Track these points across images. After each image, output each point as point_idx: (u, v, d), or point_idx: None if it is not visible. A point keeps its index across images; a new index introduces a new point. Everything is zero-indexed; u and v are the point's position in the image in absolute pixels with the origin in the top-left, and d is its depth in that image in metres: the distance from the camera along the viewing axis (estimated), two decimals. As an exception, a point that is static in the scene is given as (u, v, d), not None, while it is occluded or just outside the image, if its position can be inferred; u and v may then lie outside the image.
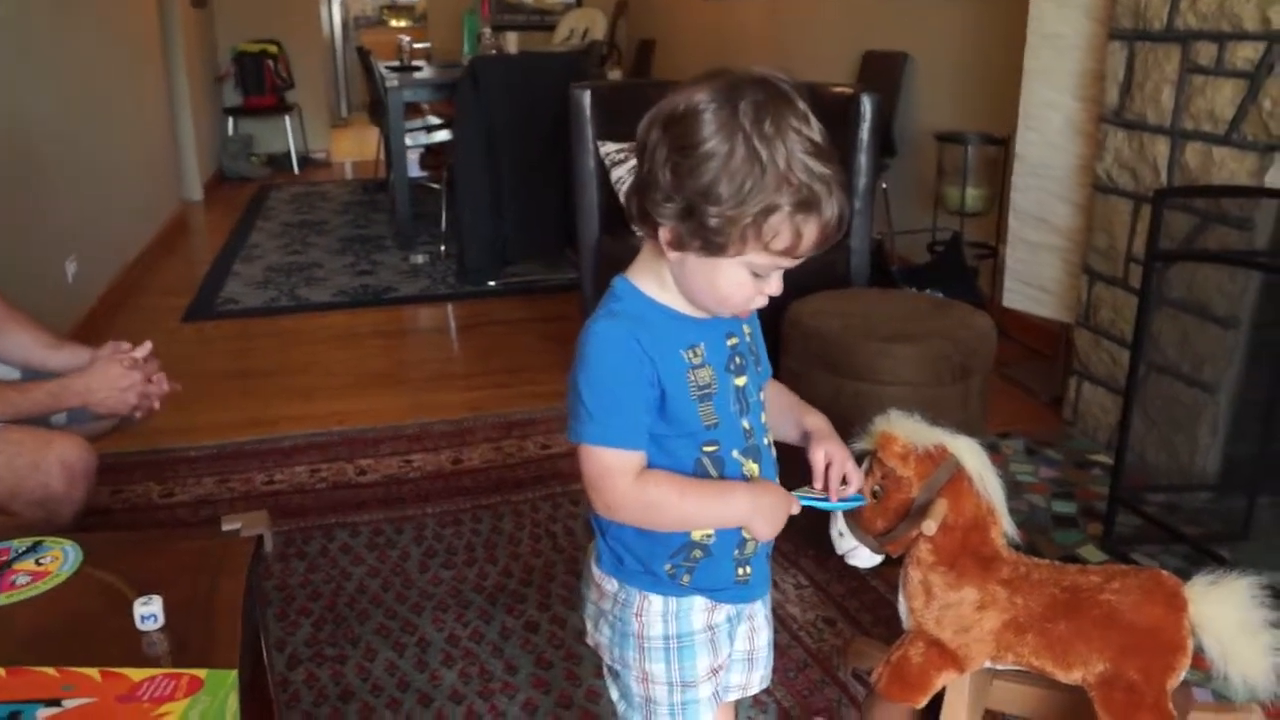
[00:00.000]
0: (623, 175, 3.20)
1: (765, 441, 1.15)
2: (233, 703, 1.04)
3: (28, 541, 1.38)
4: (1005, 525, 1.53)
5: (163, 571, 1.29)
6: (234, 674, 1.05)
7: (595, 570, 1.17)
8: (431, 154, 6.11)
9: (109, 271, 4.29)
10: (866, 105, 2.97)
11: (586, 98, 3.23)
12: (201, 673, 1.05)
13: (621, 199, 2.71)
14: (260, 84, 7.53)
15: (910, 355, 2.13)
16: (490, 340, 3.88)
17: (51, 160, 3.68)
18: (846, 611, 2.12)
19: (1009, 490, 1.53)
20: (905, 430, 1.47)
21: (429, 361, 3.72)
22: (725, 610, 1.17)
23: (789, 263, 1.01)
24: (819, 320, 2.26)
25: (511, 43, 5.98)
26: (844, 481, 1.18)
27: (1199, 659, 1.46)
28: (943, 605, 1.53)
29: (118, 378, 1.88)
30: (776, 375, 1.23)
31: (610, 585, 1.15)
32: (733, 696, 1.25)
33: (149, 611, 1.19)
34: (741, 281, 1.01)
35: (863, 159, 3.00)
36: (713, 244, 0.98)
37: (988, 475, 1.48)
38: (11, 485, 1.75)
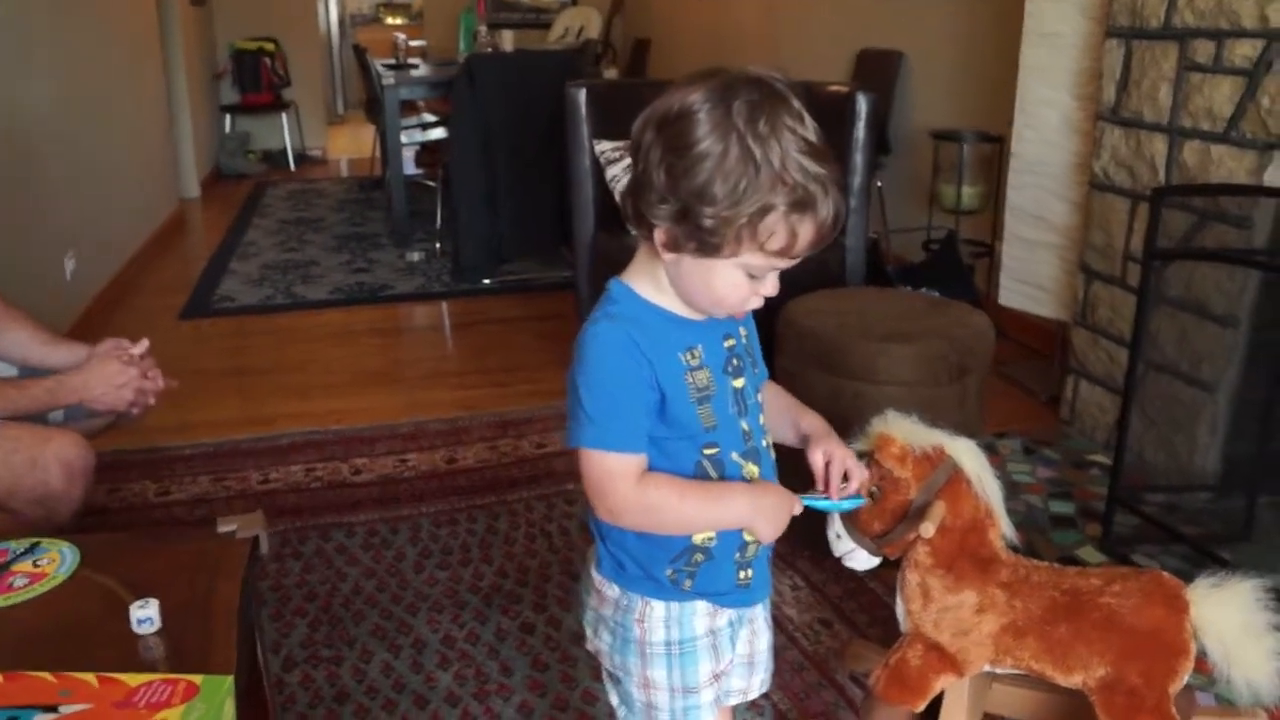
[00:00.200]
0: (618, 173, 3.19)
1: (764, 443, 1.14)
2: (229, 709, 1.03)
3: (25, 543, 1.38)
4: (1004, 527, 1.52)
5: (159, 573, 1.29)
6: (230, 680, 1.04)
7: (595, 576, 1.17)
8: (427, 151, 6.10)
9: (107, 269, 4.28)
10: (862, 104, 2.96)
11: (582, 96, 3.23)
12: (198, 678, 1.04)
13: (617, 197, 2.71)
14: (257, 81, 7.52)
15: (907, 355, 2.12)
16: (485, 338, 3.87)
17: (50, 158, 3.67)
18: (843, 613, 2.11)
19: (1007, 491, 1.53)
20: (903, 431, 1.46)
21: (424, 360, 3.72)
22: (727, 615, 1.16)
23: (785, 263, 1.00)
24: (814, 320, 2.26)
25: (507, 41, 5.98)
26: (845, 479, 1.17)
27: (1201, 662, 1.45)
28: (941, 608, 1.52)
29: (115, 374, 1.87)
30: (771, 376, 1.23)
31: (611, 591, 1.15)
32: (734, 701, 1.24)
33: (145, 615, 1.18)
34: (737, 283, 1.00)
35: (858, 158, 2.99)
36: (708, 245, 0.97)
37: (986, 477, 1.48)
38: (10, 483, 1.75)
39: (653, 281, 1.06)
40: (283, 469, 2.75)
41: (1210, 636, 1.42)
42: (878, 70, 4.45)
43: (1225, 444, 2.45)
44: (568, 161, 3.31)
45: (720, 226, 0.95)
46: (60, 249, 3.68)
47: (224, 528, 1.41)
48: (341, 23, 11.47)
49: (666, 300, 1.06)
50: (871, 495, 1.43)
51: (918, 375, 2.12)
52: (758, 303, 1.04)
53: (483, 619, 2.09)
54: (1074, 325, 2.93)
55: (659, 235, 1.00)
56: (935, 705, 1.59)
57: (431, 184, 5.51)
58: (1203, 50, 2.38)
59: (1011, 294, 3.23)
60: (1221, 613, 1.43)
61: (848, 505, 1.21)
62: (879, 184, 4.16)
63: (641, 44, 7.22)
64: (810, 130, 0.96)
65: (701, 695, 1.15)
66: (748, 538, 1.12)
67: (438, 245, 5.09)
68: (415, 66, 6.24)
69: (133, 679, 1.05)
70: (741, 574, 1.14)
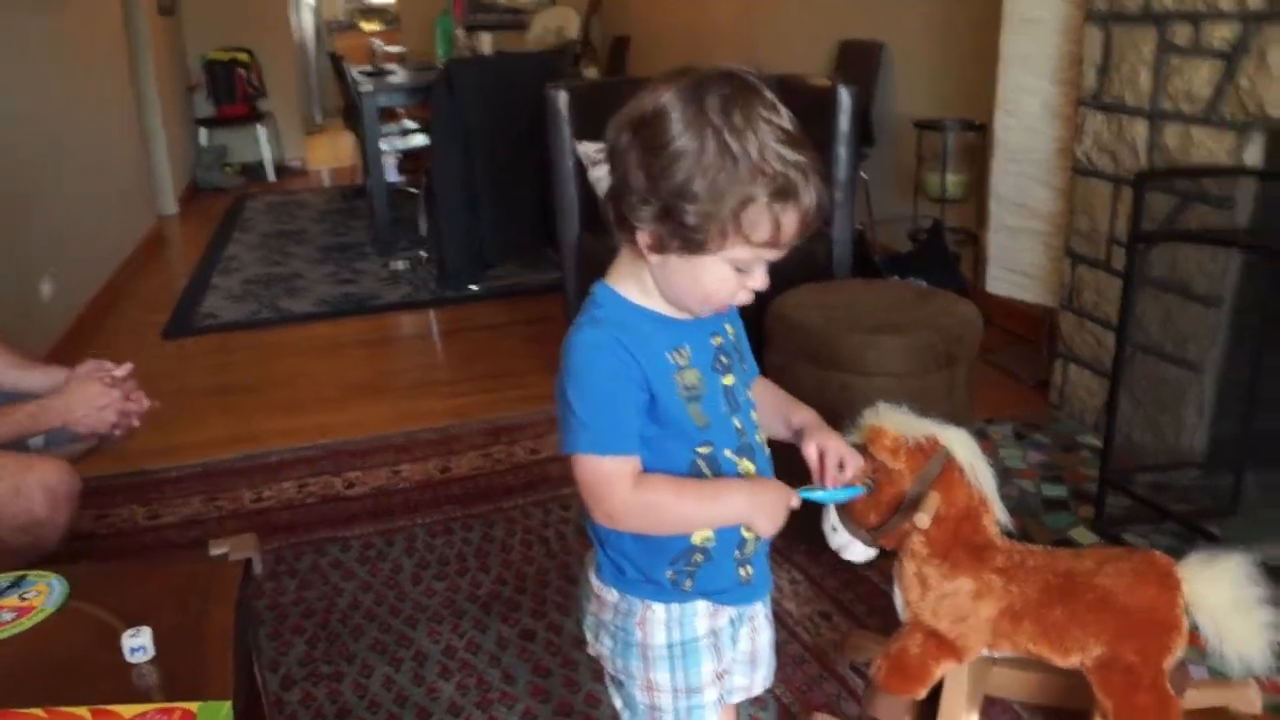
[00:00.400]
0: (601, 174, 3.18)
1: (758, 439, 1.14)
2: (228, 733, 1.03)
3: (11, 576, 1.36)
4: (998, 514, 1.53)
5: (151, 601, 1.28)
6: (227, 705, 1.03)
7: (595, 581, 1.16)
8: (409, 158, 6.08)
9: (85, 290, 4.24)
10: (844, 96, 2.96)
11: (563, 97, 3.22)
12: (194, 706, 1.04)
13: (600, 198, 2.70)
14: (232, 93, 7.46)
15: (896, 346, 2.12)
16: (474, 345, 3.86)
17: (17, 179, 3.61)
18: (841, 604, 2.11)
19: (999, 477, 1.54)
20: (894, 423, 1.47)
21: (413, 369, 3.70)
22: (727, 613, 1.16)
23: (772, 254, 1.00)
24: (802, 313, 2.26)
25: (485, 43, 5.97)
26: (840, 469, 1.17)
27: (1194, 637, 1.47)
28: (939, 596, 1.53)
29: (96, 396, 1.86)
30: (761, 370, 1.23)
31: (610, 595, 1.15)
32: (737, 698, 1.25)
33: (138, 644, 1.17)
34: (725, 278, 1.00)
35: (842, 150, 3.00)
36: (693, 242, 0.97)
37: (979, 465, 1.48)
38: (-7, 511, 1.73)
39: (637, 283, 1.06)
40: (275, 486, 2.73)
41: (1202, 612, 1.44)
42: (859, 62, 4.45)
43: (1211, 422, 2.47)
44: (550, 164, 3.30)
45: (704, 222, 0.95)
46: (35, 272, 3.65)
47: (216, 550, 1.39)
48: (317, 30, 11.41)
49: (651, 301, 1.06)
50: (865, 486, 1.44)
51: (907, 366, 2.12)
52: (747, 297, 1.04)
53: (483, 627, 2.09)
54: (1060, 310, 2.94)
55: (643, 237, 1.00)
56: (936, 691, 1.60)
57: (414, 191, 5.49)
58: (1181, 33, 2.39)
59: (998, 281, 3.24)
60: (1212, 588, 1.44)
61: (845, 496, 1.21)
62: (863, 175, 4.16)
63: (620, 42, 7.21)
64: (785, 119, 0.97)
65: (705, 695, 1.16)
66: (746, 534, 1.12)
67: (422, 253, 5.07)
68: (393, 72, 6.22)
69: (128, 710, 1.04)
70: (742, 571, 1.15)
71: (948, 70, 3.97)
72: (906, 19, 4.22)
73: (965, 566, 1.52)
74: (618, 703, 1.22)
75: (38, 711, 1.04)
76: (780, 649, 1.30)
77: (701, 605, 1.13)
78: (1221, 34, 2.27)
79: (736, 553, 1.13)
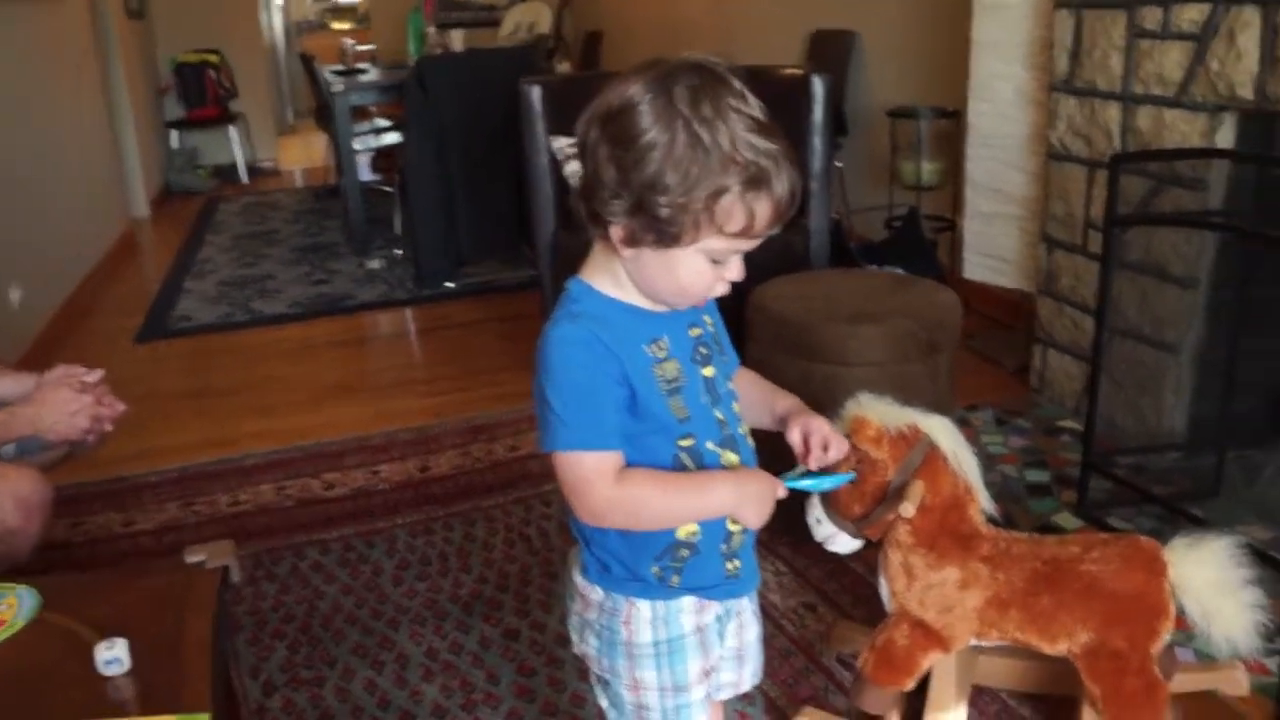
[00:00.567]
0: (576, 170, 3.16)
1: (741, 430, 1.13)
2: (205, 745, 1.00)
3: (-21, 589, 1.33)
4: (983, 502, 1.52)
5: (125, 612, 1.25)
6: (205, 717, 1.01)
7: (579, 580, 1.15)
8: (382, 157, 6.03)
9: (56, 296, 4.18)
10: (818, 86, 2.95)
11: (536, 93, 3.20)
12: (171, 719, 1.01)
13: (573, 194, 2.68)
14: (202, 95, 7.38)
15: (876, 335, 2.11)
16: (451, 343, 3.83)
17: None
18: (826, 595, 2.11)
19: (982, 463, 1.53)
20: (877, 413, 1.46)
21: (390, 369, 3.67)
22: (714, 610, 1.15)
23: (746, 245, 0.99)
24: (782, 304, 2.25)
25: (457, 40, 5.93)
26: (825, 450, 1.15)
27: (1180, 619, 1.46)
28: (925, 586, 1.52)
29: (67, 402, 1.82)
30: (742, 363, 1.21)
31: (595, 594, 1.13)
32: (725, 695, 1.24)
33: (113, 656, 1.14)
34: (701, 270, 0.99)
35: (817, 140, 2.99)
36: (666, 235, 0.96)
37: (963, 453, 1.48)
38: (-35, 524, 1.70)
39: (611, 277, 1.05)
40: (252, 489, 2.70)
41: (1188, 595, 1.44)
42: (831, 51, 4.44)
43: (1191, 403, 2.48)
44: (524, 160, 3.28)
45: (677, 214, 0.95)
46: (3, 279, 3.58)
47: (192, 558, 1.36)
48: (287, 30, 11.31)
49: (627, 294, 1.05)
50: (853, 474, 1.43)
51: (889, 355, 2.11)
52: (724, 288, 1.03)
53: (465, 628, 2.06)
54: (1038, 295, 2.95)
55: (616, 232, 0.99)
56: (923, 682, 1.60)
57: (388, 189, 5.45)
58: (1151, 16, 2.39)
59: (975, 267, 3.24)
60: (1198, 571, 1.45)
61: (831, 484, 1.20)
62: (838, 164, 4.16)
63: (593, 36, 7.18)
64: (755, 108, 0.96)
65: (692, 693, 1.14)
66: (732, 527, 1.11)
67: (398, 251, 5.03)
68: (364, 71, 6.17)
69: (103, 724, 1.02)
70: (729, 565, 1.13)
71: (920, 58, 3.97)
72: (878, 7, 4.22)
73: (951, 556, 1.51)
74: (603, 702, 1.20)
75: (8, 729, 1.02)
76: (766, 642, 1.29)
77: (688, 602, 1.12)
78: (1190, 16, 2.28)
79: (723, 546, 1.12)
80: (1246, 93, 2.16)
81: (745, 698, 1.79)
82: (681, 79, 0.95)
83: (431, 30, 6.37)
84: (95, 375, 1.91)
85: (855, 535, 1.47)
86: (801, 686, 1.85)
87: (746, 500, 1.07)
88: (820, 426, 1.16)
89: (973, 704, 1.72)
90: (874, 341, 2.11)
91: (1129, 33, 2.46)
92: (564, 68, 6.73)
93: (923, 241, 3.51)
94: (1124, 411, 2.58)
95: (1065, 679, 1.60)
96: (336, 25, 12.13)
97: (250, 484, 2.73)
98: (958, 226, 3.55)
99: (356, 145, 5.36)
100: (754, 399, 1.20)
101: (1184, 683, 1.61)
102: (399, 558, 2.33)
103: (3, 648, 1.21)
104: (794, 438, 1.16)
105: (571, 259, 1.10)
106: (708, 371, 1.10)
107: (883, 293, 2.31)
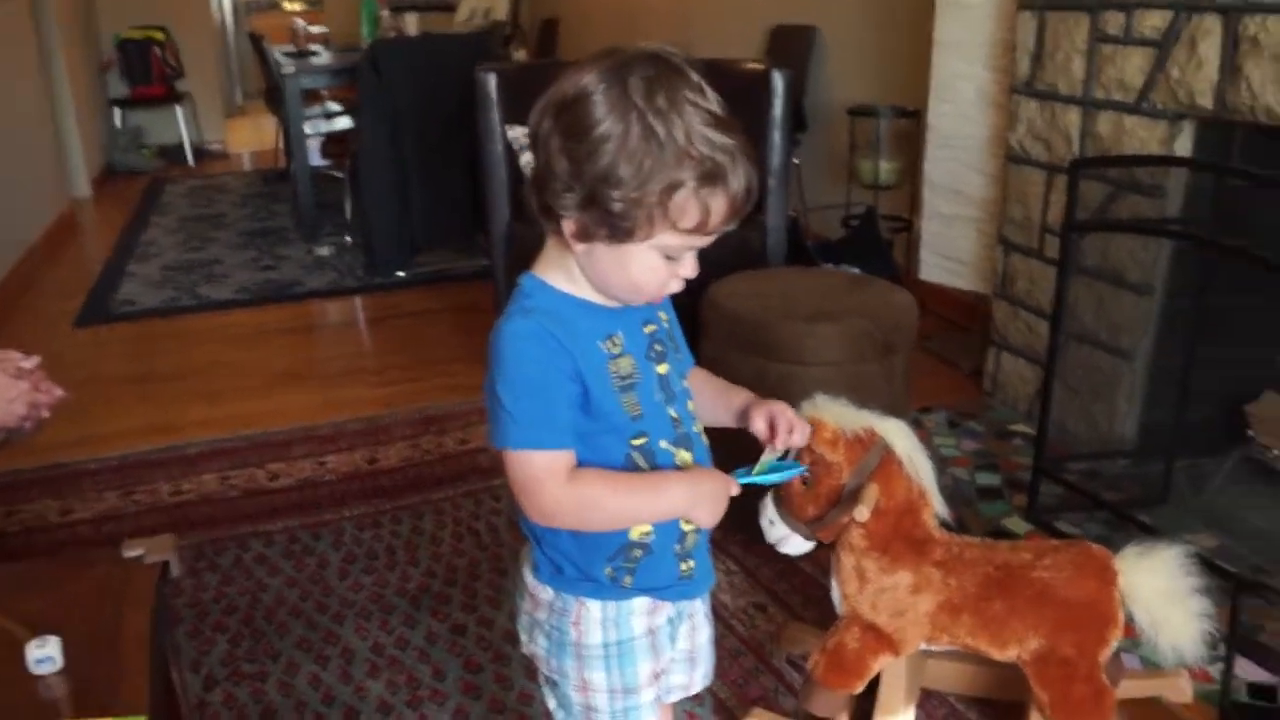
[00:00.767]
0: (531, 160, 3.12)
1: (695, 429, 1.12)
2: (140, 749, 0.96)
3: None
4: (937, 506, 1.52)
5: (60, 607, 1.20)
6: (142, 719, 0.97)
7: (530, 579, 1.13)
8: (333, 141, 5.93)
9: (-9, 277, 4.06)
10: (778, 81, 2.94)
11: (492, 80, 3.15)
12: (103, 721, 0.97)
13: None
14: (147, 73, 7.21)
15: (832, 334, 2.11)
16: (401, 333, 3.78)
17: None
18: (776, 595, 2.10)
19: (936, 467, 1.52)
20: (833, 415, 1.45)
21: (339, 357, 3.61)
22: (666, 612, 1.13)
23: (701, 241, 0.98)
24: (737, 302, 2.23)
25: (411, 24, 5.84)
26: (791, 432, 1.14)
27: (1129, 627, 1.47)
28: (877, 590, 1.52)
29: (3, 388, 1.75)
30: (697, 361, 1.20)
31: (545, 594, 1.11)
32: (675, 697, 1.22)
33: (45, 654, 1.10)
34: (654, 266, 0.98)
35: (776, 136, 2.97)
36: (619, 230, 0.94)
37: (918, 457, 1.47)
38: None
39: (564, 272, 1.03)
40: (195, 479, 2.64)
41: (1138, 604, 1.45)
42: (791, 46, 4.44)
43: (1143, 410, 2.50)
44: (479, 149, 3.23)
45: (629, 209, 0.93)
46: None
47: (130, 552, 1.32)
48: (236, 9, 11.09)
49: (581, 290, 1.03)
50: (804, 481, 1.42)
51: (844, 354, 2.11)
52: (678, 285, 1.02)
53: (412, 623, 2.03)
54: (994, 298, 2.96)
55: (568, 226, 0.97)
56: (872, 685, 1.59)
57: (339, 175, 5.36)
58: (1113, 21, 2.40)
59: (931, 268, 3.25)
60: (1148, 580, 1.46)
61: (783, 476, 1.19)
62: (796, 161, 4.16)
63: (550, 24, 7.12)
64: (712, 101, 0.94)
65: (641, 695, 1.13)
66: (686, 527, 1.09)
67: (348, 238, 4.95)
68: (316, 54, 6.06)
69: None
70: (683, 565, 1.12)
71: (881, 56, 3.97)
72: (840, 3, 4.22)
73: (905, 560, 1.50)
74: (551, 703, 1.18)
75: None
76: (717, 643, 1.28)
77: (639, 604, 1.10)
78: (1153, 23, 2.29)
79: (677, 547, 1.10)
80: (1206, 101, 2.18)
81: (694, 698, 1.77)
82: (637, 69, 0.92)
83: (386, 13, 6.27)
84: (32, 361, 1.84)
85: (808, 537, 1.46)
86: (751, 687, 1.84)
87: (700, 500, 1.06)
88: (784, 410, 1.15)
89: (921, 707, 1.73)
90: (831, 341, 2.10)
91: (1091, 37, 2.48)
92: (520, 55, 6.66)
93: (879, 241, 3.52)
94: (1076, 417, 2.60)
95: (1013, 684, 1.60)
96: (288, 5, 11.91)
97: (193, 473, 2.66)
98: (914, 227, 3.57)
99: (307, 129, 5.26)
100: (709, 396, 1.18)
101: (1129, 689, 1.63)
102: (345, 550, 2.29)
103: (-75, 646, 1.16)
104: (759, 425, 1.14)
105: (526, 250, 1.08)
106: (662, 369, 1.08)
107: (839, 292, 2.30)
